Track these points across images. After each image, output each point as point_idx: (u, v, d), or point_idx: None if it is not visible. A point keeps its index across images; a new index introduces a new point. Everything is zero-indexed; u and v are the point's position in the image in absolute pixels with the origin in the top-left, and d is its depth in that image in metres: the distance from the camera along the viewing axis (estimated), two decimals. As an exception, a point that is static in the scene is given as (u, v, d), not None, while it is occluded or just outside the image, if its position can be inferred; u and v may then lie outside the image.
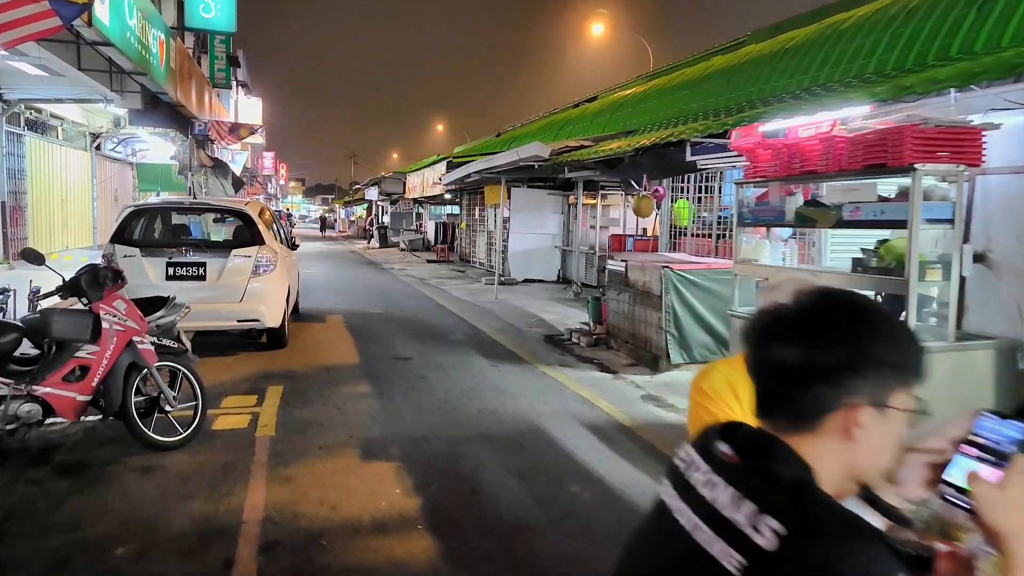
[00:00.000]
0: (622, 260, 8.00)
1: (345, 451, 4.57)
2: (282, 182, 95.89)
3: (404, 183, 27.22)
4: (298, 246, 9.74)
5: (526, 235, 16.73)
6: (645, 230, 16.90)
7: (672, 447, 5.03)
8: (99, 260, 7.10)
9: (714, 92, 7.73)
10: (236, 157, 28.12)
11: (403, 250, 27.25)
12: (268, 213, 8.48)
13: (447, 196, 26.74)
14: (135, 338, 4.23)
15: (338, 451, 4.57)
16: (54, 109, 17.83)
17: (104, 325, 4.06)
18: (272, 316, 7.27)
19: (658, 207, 10.33)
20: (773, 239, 5.68)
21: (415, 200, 29.84)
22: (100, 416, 4.23)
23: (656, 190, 10.05)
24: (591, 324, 9.04)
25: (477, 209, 20.81)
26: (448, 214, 31.61)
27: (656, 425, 5.44)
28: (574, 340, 8.86)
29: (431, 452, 4.62)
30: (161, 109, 16.01)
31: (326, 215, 54.90)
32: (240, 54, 41.25)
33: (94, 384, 4.03)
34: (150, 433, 4.31)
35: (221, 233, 10.10)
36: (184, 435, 4.46)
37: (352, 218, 55.50)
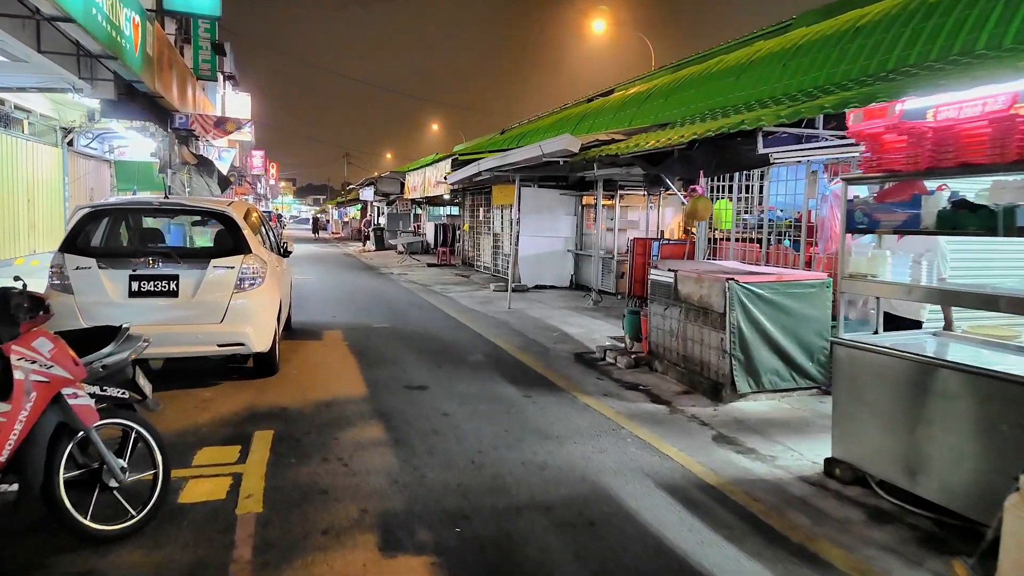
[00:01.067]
0: (670, 270, 6.84)
1: (359, 538, 3.39)
2: (272, 182, 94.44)
3: (402, 183, 26.00)
4: (291, 252, 8.55)
5: (537, 238, 15.58)
6: (662, 232, 15.80)
7: (778, 516, 3.91)
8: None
9: (802, 69, 6.61)
10: (223, 154, 26.84)
11: (401, 253, 26.05)
12: (255, 215, 7.28)
13: (446, 196, 25.58)
14: (65, 390, 3.04)
15: (349, 538, 3.38)
16: (19, 100, 16.53)
17: (17, 375, 2.86)
18: (260, 339, 6.07)
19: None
20: (882, 247, 4.52)
21: (413, 201, 28.64)
22: (15, 499, 3.03)
23: (693, 188, 8.91)
24: (628, 341, 7.89)
25: (481, 210, 19.64)
26: (448, 215, 30.43)
27: (746, 481, 4.29)
28: (609, 360, 7.70)
29: (474, 536, 3.44)
30: (138, 101, 14.75)
31: (318, 216, 53.47)
32: (228, 46, 39.91)
33: (2, 459, 2.84)
34: (85, 521, 3.12)
35: (208, 238, 8.86)
36: (136, 519, 3.27)
37: (345, 219, 54.19)
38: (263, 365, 6.42)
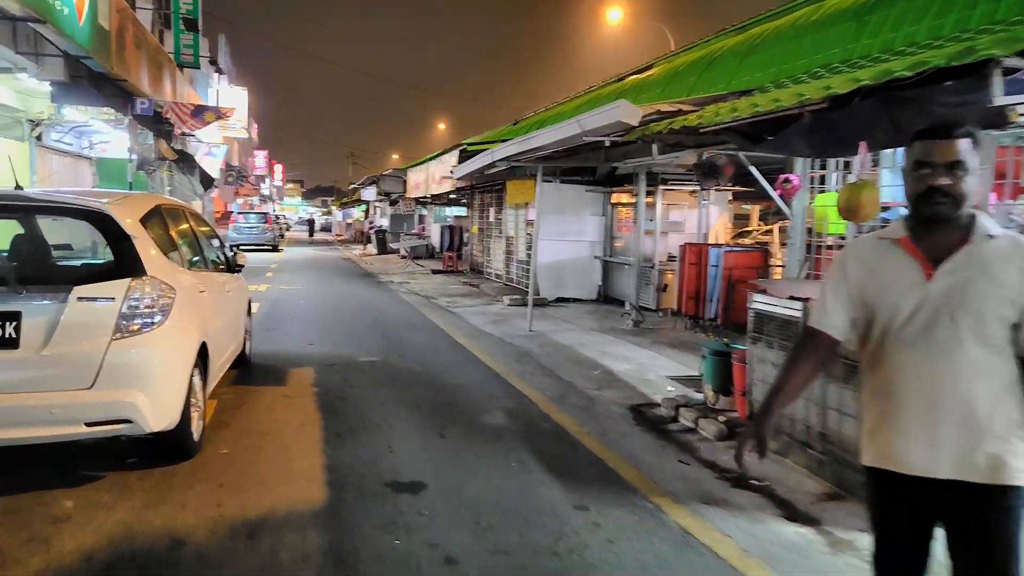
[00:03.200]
0: (792, 298, 4.55)
1: None
2: (278, 183, 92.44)
3: (405, 181, 23.79)
4: (242, 266, 6.33)
5: (558, 242, 13.30)
6: (706, 235, 13.51)
7: None
8: None
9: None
10: (214, 150, 24.68)
11: (404, 258, 23.82)
12: (175, 216, 5.03)
13: (452, 196, 23.33)
14: None
15: None
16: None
17: None
18: (159, 411, 3.82)
19: (787, 204, 6.90)
20: None
21: (417, 200, 26.41)
22: None
23: (787, 179, 6.63)
24: (709, 394, 5.61)
25: (492, 210, 17.37)
26: (455, 216, 28.20)
27: None
28: (685, 422, 5.42)
29: None
30: (102, 87, 12.57)
31: (314, 217, 51.27)
32: (223, 39, 37.81)
33: None
34: None
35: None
36: None
37: (349, 221, 52.05)
38: (169, 448, 4.16)
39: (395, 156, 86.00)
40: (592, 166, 13.23)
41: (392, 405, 5.70)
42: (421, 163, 19.03)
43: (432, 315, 11.18)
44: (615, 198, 13.44)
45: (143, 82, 14.40)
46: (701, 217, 12.79)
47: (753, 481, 4.21)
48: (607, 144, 6.60)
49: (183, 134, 18.75)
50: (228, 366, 5.59)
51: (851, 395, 4.01)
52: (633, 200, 13.34)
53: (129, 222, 3.97)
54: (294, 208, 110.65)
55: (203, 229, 5.85)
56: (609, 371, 7.26)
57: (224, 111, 15.84)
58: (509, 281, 16.14)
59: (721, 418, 5.20)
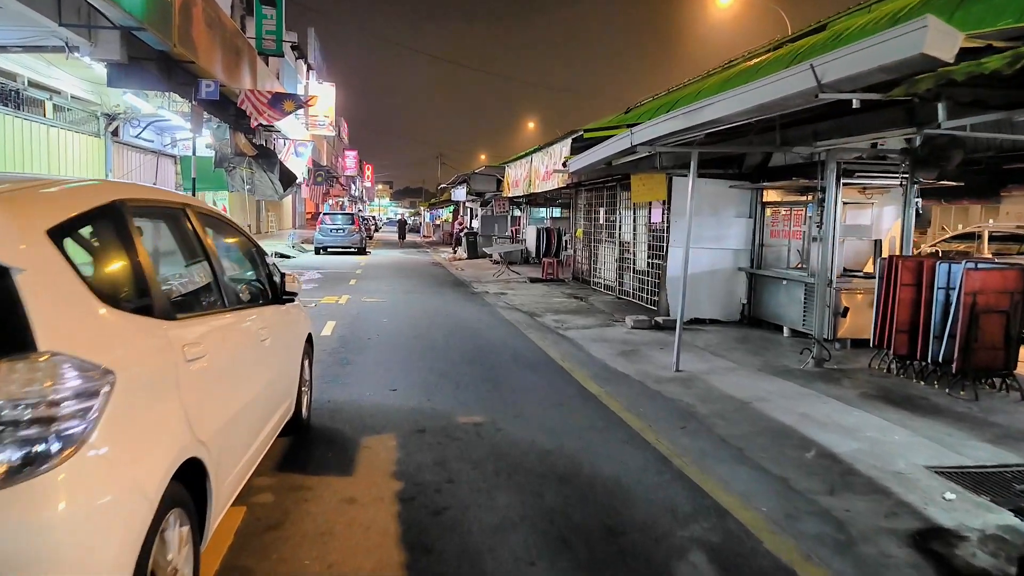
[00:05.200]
0: None
1: None
2: (368, 184, 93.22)
3: (499, 179, 21.75)
4: (294, 294, 4.28)
5: (693, 250, 10.79)
6: (878, 242, 10.72)
7: None
8: None
9: None
10: (299, 149, 23.49)
11: (497, 263, 21.80)
12: (163, 220, 3.03)
13: (547, 195, 21.10)
14: None
15: None
16: (39, 76, 13.19)
17: None
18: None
19: None
20: None
21: (512, 200, 24.36)
22: None
23: None
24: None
25: (602, 211, 15.01)
26: (552, 218, 25.99)
27: None
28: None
29: None
30: (167, 70, 11.10)
31: (407, 219, 50.29)
32: (312, 32, 37.16)
33: None
34: None
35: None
36: None
37: (437, 222, 50.88)
38: None
39: (483, 157, 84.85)
40: (740, 155, 10.69)
41: (520, 532, 3.48)
42: (522, 157, 16.87)
43: (542, 341, 8.96)
44: (768, 195, 10.82)
45: (216, 67, 12.89)
46: (880, 218, 10.07)
47: None
48: (856, 104, 4.14)
49: (261, 127, 17.40)
50: (256, 464, 3.50)
51: None
52: (791, 199, 10.71)
53: (18, 237, 1.90)
54: (383, 209, 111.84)
55: (231, 240, 3.84)
56: (829, 453, 4.80)
57: (306, 100, 14.21)
58: (623, 295, 13.75)
59: None
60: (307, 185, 35.08)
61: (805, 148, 7.37)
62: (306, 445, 4.65)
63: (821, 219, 7.56)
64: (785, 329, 9.84)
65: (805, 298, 9.39)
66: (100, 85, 14.07)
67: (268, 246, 26.14)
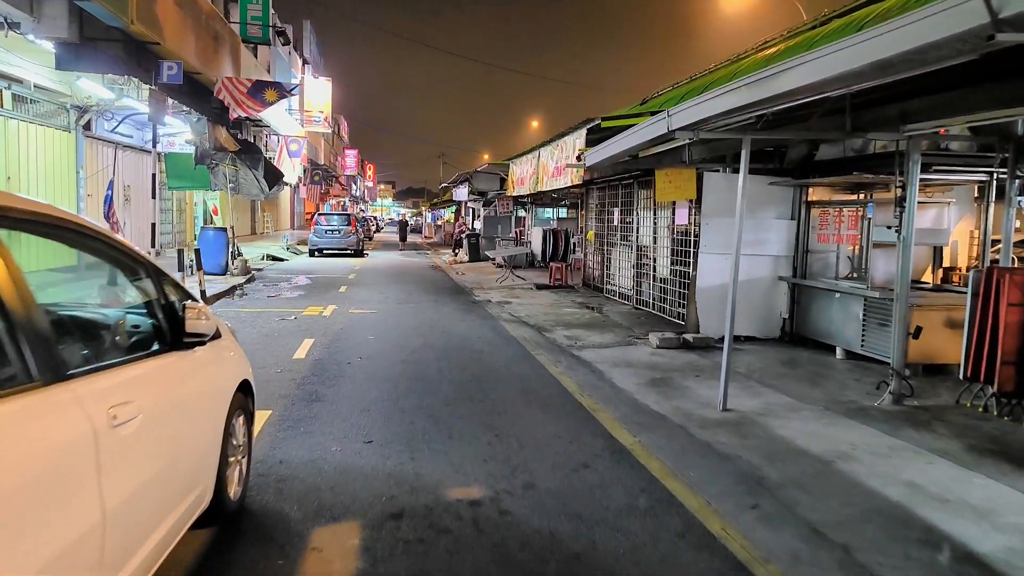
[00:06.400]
0: None
1: None
2: (369, 184, 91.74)
3: (503, 177, 20.36)
4: (199, 337, 2.87)
5: (726, 256, 9.41)
6: (938, 248, 9.36)
7: None
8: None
9: None
10: (291, 146, 22.11)
11: (500, 267, 20.40)
12: None
13: (554, 195, 19.67)
14: None
15: None
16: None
17: None
18: None
19: None
20: None
21: (517, 199, 22.97)
22: None
23: None
24: None
25: (616, 211, 13.60)
26: (558, 218, 24.59)
27: None
28: None
29: None
30: (128, 51, 9.71)
31: (408, 220, 48.85)
32: (308, 26, 35.73)
33: None
34: None
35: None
36: None
37: (439, 222, 49.49)
38: None
39: (486, 157, 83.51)
40: (780, 147, 9.27)
41: None
42: (529, 152, 15.45)
43: (555, 366, 7.55)
44: (813, 194, 9.40)
45: (188, 51, 11.48)
46: (940, 219, 8.69)
47: None
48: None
49: (247, 121, 16.01)
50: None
51: None
52: (840, 198, 9.30)
53: None
54: (386, 209, 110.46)
55: (91, 255, 2.45)
56: (970, 554, 3.38)
57: (291, 89, 12.80)
58: (641, 305, 12.33)
59: None
60: (304, 184, 33.69)
61: (886, 134, 5.94)
62: (227, 548, 3.24)
63: (901, 221, 6.13)
64: (838, 350, 8.42)
65: (865, 315, 7.97)
66: (69, 73, 12.71)
67: (261, 248, 24.69)
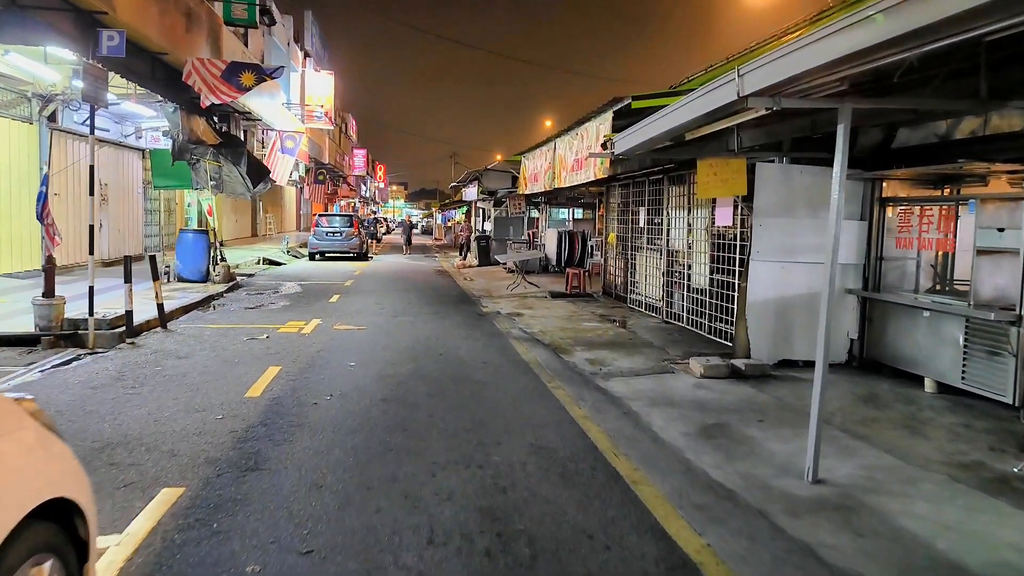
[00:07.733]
0: None
1: None
2: (380, 185, 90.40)
3: (515, 175, 18.79)
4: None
5: (782, 265, 7.80)
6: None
7: None
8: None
9: None
10: (286, 143, 20.65)
11: (511, 272, 18.82)
12: None
13: (569, 195, 18.05)
14: None
15: None
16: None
17: None
18: None
19: None
20: None
21: (528, 198, 21.39)
22: None
23: None
24: None
25: (643, 210, 11.97)
26: (574, 219, 22.99)
27: None
28: None
29: None
30: (75, 22, 8.20)
31: (413, 221, 47.28)
32: (309, 17, 34.28)
33: None
34: None
35: None
36: None
37: (448, 224, 48.03)
38: None
39: (498, 157, 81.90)
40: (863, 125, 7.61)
41: None
42: (544, 144, 13.82)
43: (578, 407, 5.94)
44: (888, 189, 7.75)
45: (149, 27, 10.02)
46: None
47: None
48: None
49: (229, 111, 14.52)
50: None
51: None
52: (919, 193, 7.64)
53: None
54: (398, 210, 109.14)
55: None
56: None
57: (272, 72, 11.29)
58: (672, 317, 10.71)
59: None
60: (308, 184, 32.27)
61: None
62: None
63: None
64: (927, 381, 6.77)
65: (967, 339, 6.31)
66: (32, 60, 11.27)
67: (258, 251, 23.25)
